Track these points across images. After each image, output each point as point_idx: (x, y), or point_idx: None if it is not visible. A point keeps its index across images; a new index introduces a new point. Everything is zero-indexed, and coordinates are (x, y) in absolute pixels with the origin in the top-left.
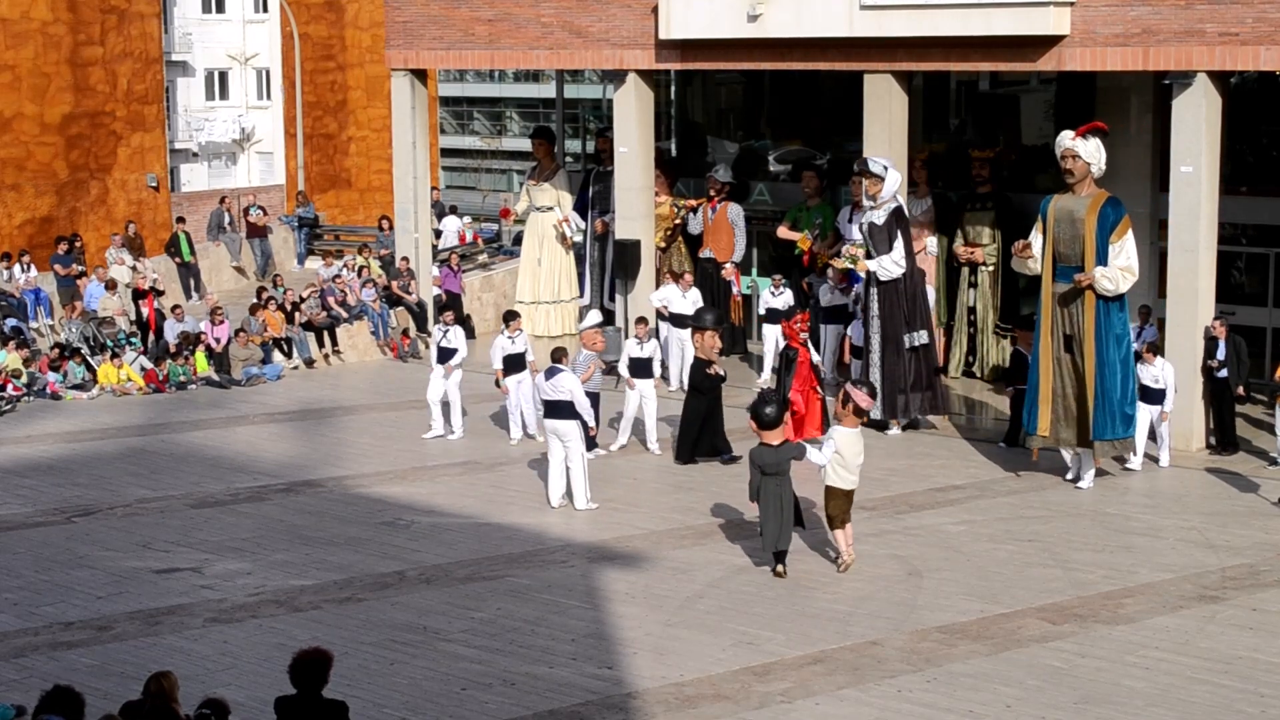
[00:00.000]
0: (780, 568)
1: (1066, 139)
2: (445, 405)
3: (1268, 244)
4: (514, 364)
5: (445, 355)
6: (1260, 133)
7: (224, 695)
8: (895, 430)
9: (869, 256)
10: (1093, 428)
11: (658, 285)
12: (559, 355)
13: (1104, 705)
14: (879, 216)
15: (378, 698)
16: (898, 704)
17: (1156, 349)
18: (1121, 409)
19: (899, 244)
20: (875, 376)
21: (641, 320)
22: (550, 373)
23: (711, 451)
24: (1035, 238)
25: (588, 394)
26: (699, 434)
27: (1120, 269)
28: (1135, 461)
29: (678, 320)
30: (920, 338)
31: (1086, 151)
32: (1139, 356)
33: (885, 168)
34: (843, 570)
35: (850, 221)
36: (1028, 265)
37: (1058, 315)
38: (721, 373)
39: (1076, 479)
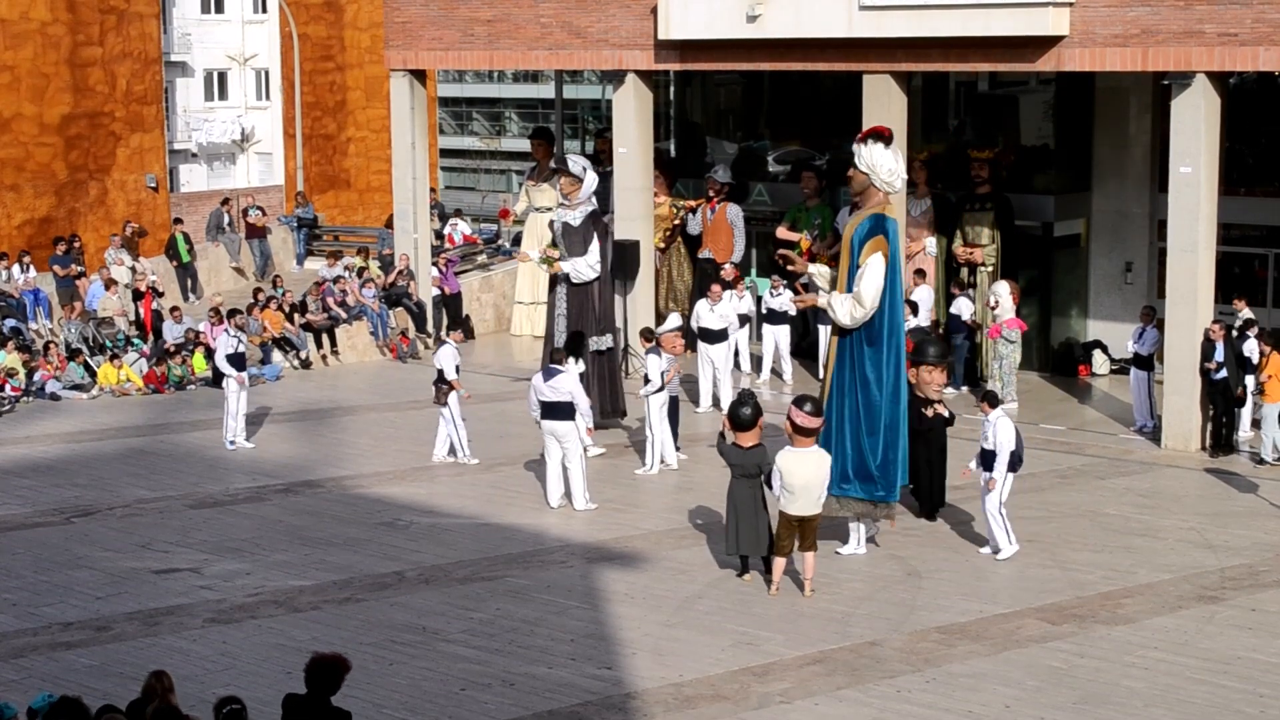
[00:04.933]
0: (747, 575)
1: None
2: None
3: (1268, 244)
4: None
5: (232, 363)
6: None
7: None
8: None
9: (562, 258)
10: None
11: (657, 287)
12: (558, 356)
13: (1103, 705)
14: (575, 218)
15: (377, 698)
16: (897, 704)
17: (994, 399)
18: (862, 465)
19: (594, 246)
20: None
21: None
22: (549, 373)
23: (932, 507)
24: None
25: (667, 397)
26: (928, 483)
27: (851, 296)
28: (1006, 552)
29: (705, 335)
30: (605, 341)
31: (862, 160)
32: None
33: (584, 169)
34: (772, 593)
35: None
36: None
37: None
38: (945, 413)
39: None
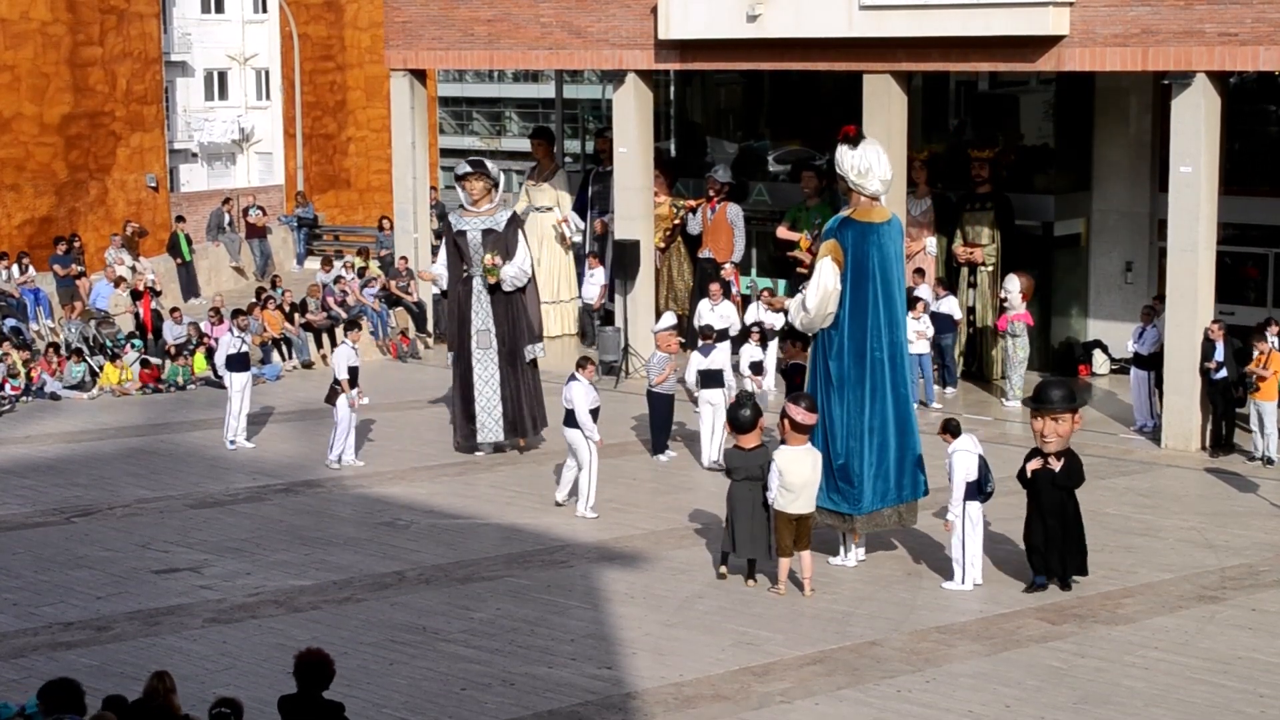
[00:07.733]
0: (751, 580)
1: None
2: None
3: (1268, 244)
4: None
5: (236, 363)
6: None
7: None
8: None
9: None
10: None
11: (657, 287)
12: (582, 363)
13: (1103, 705)
14: (497, 223)
15: (377, 698)
16: (897, 704)
17: (956, 429)
18: (829, 475)
19: (522, 250)
20: (490, 394)
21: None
22: (569, 380)
23: (1068, 572)
24: None
25: (661, 396)
26: (1059, 549)
27: (799, 299)
28: (954, 584)
29: (705, 335)
30: (538, 350)
31: (838, 165)
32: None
33: (499, 171)
34: (778, 594)
35: None
36: None
37: None
38: (1056, 468)
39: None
